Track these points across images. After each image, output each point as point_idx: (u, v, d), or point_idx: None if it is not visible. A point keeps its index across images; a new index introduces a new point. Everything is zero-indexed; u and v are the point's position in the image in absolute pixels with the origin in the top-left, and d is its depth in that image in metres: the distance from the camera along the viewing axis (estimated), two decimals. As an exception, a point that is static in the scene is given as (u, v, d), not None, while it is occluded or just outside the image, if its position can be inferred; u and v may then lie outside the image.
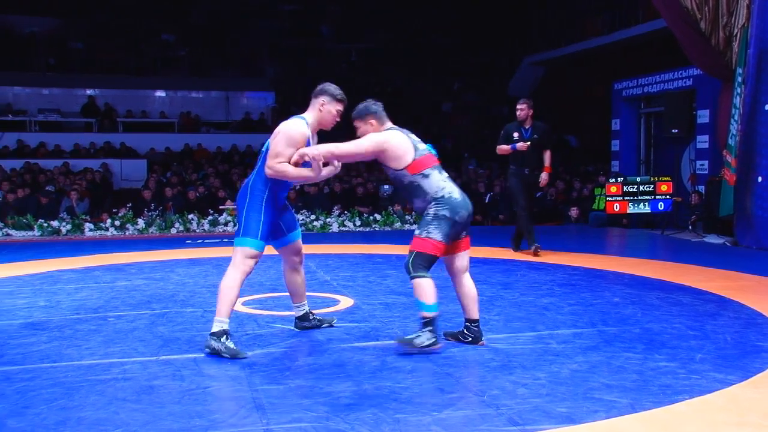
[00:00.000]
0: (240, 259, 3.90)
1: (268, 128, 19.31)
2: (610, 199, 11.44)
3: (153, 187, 12.95)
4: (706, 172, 11.18)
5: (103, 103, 19.11)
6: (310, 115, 4.05)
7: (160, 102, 20.13)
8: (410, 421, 2.88)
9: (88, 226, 10.74)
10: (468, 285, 4.05)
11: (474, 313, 4.04)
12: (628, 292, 5.73)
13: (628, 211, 11.43)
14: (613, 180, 11.55)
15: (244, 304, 5.34)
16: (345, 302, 5.34)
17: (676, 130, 11.28)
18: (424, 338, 3.77)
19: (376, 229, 11.43)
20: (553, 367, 3.62)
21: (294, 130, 3.91)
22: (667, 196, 11.24)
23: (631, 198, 11.36)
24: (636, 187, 11.37)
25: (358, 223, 11.47)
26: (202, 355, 3.90)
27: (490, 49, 23.19)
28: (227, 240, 9.82)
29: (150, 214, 11.11)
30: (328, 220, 11.37)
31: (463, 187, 14.88)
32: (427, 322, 3.79)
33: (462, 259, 4.03)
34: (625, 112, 13.48)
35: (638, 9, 16.24)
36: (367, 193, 13.28)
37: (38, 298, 5.57)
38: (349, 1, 23.38)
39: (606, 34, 17.55)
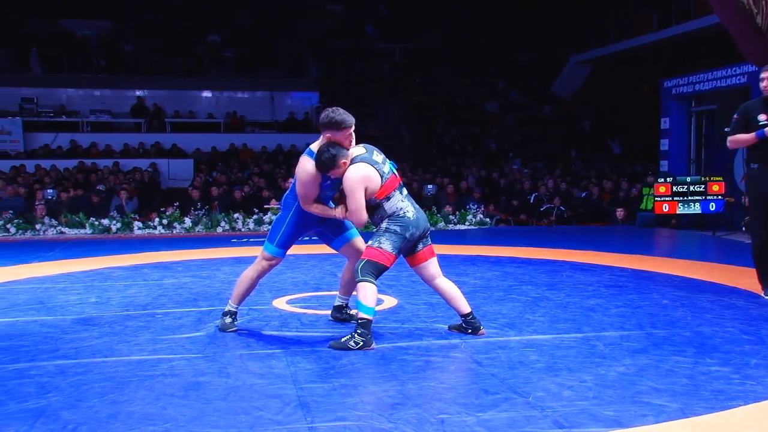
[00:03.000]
0: (259, 258, 4.47)
1: (313, 128, 19.50)
2: (658, 199, 11.20)
3: (200, 186, 13.16)
4: (761, 171, 10.84)
5: (152, 103, 19.53)
6: (321, 143, 4.13)
7: (206, 102, 20.48)
8: (454, 421, 2.86)
9: (137, 224, 10.98)
10: (445, 287, 4.27)
11: (464, 308, 4.26)
12: (678, 294, 5.60)
13: (677, 212, 11.18)
14: (662, 180, 11.30)
15: (289, 302, 5.39)
16: (389, 302, 5.34)
17: (729, 129, 10.97)
18: (358, 340, 3.94)
19: (420, 228, 11.40)
20: (599, 369, 3.56)
21: (303, 175, 4.11)
22: (719, 197, 10.95)
23: (681, 198, 11.11)
24: (686, 187, 11.11)
25: (401, 222, 11.46)
26: (248, 352, 3.95)
27: (536, 48, 22.95)
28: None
29: (197, 213, 11.29)
30: (371, 219, 11.39)
31: (507, 187, 14.64)
32: (363, 324, 3.97)
33: (429, 269, 4.26)
34: (675, 110, 13.18)
35: (690, 4, 15.85)
36: (411, 193, 13.23)
37: (90, 295, 5.72)
38: (395, 1, 23.41)
39: (656, 30, 17.18)
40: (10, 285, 6.25)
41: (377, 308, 5.10)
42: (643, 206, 12.04)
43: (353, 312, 4.61)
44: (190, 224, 11.08)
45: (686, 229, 11.25)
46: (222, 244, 9.46)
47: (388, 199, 4.09)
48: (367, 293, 3.96)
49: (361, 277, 4.00)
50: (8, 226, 10.61)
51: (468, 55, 22.56)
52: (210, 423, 2.87)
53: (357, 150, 4.16)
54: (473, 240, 9.93)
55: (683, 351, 3.90)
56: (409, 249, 4.19)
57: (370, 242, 4.11)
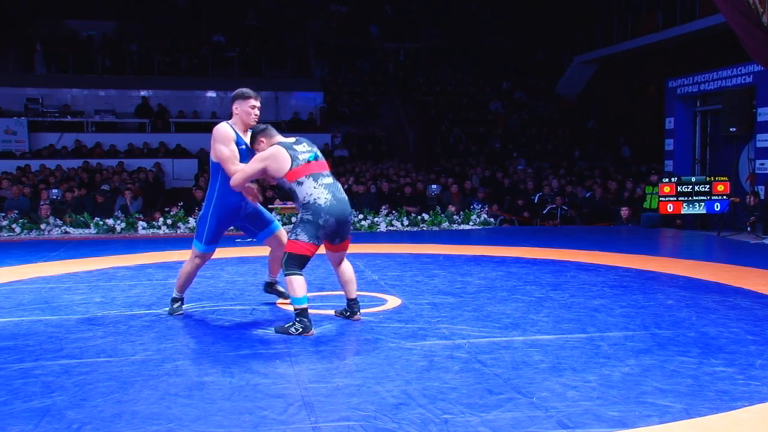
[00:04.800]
0: (191, 255, 4.90)
1: (317, 128, 19.51)
2: (663, 199, 11.18)
3: (204, 186, 13.18)
4: (767, 171, 10.82)
5: (156, 104, 19.57)
6: (232, 119, 4.76)
7: (210, 102, 20.51)
8: (458, 421, 2.86)
9: (141, 224, 11.00)
10: (342, 272, 4.67)
11: (349, 294, 4.67)
12: (683, 294, 5.59)
13: (682, 212, 11.15)
14: (667, 180, 11.28)
15: (293, 302, 5.38)
16: (392, 302, 5.34)
17: (734, 129, 10.95)
18: (299, 326, 4.29)
19: (424, 228, 11.41)
20: (604, 369, 3.55)
21: (219, 131, 4.64)
22: (724, 197, 10.92)
23: (686, 198, 11.08)
24: (691, 187, 11.09)
25: (405, 222, 11.47)
26: (252, 352, 3.95)
27: (540, 49, 22.94)
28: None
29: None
30: (375, 219, 11.39)
31: (511, 186, 14.52)
32: (299, 313, 4.30)
33: (336, 257, 4.65)
34: (680, 110, 13.15)
35: (695, 4, 15.82)
36: (415, 193, 13.27)
37: (94, 295, 5.73)
38: (399, 1, 23.40)
39: (661, 30, 17.16)
40: (15, 285, 6.27)
41: (381, 308, 5.12)
42: (646, 205, 12.01)
43: (282, 290, 5.18)
44: (194, 224, 11.09)
45: (691, 230, 11.22)
46: (226, 244, 9.45)
47: (299, 183, 4.37)
48: (294, 286, 4.26)
49: (286, 272, 4.30)
50: (13, 225, 10.64)
51: (472, 55, 22.55)
52: (214, 422, 2.88)
53: (288, 138, 4.57)
54: (477, 240, 9.92)
55: (688, 351, 3.89)
56: (329, 239, 4.49)
57: (289, 235, 4.41)
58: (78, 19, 21.03)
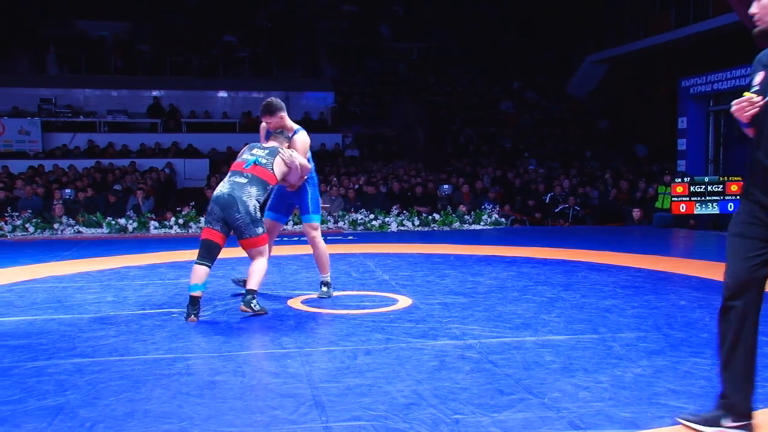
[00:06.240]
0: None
1: (328, 128, 19.54)
2: (676, 199, 11.12)
3: (215, 186, 13.23)
4: (780, 171, 10.74)
5: (168, 104, 19.65)
6: None
7: (222, 102, 20.59)
8: (469, 422, 2.85)
9: (153, 224, 11.05)
10: (251, 263, 4.97)
11: (248, 284, 4.89)
12: (696, 295, 5.55)
13: (695, 212, 11.09)
14: (680, 180, 11.22)
15: (304, 302, 5.39)
16: (403, 302, 5.33)
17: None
18: (186, 314, 4.71)
19: (435, 228, 11.40)
20: (616, 370, 3.53)
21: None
22: (738, 197, 10.84)
23: (699, 198, 11.02)
24: (704, 187, 11.02)
25: (416, 222, 11.47)
26: (263, 351, 3.96)
27: (551, 48, 22.86)
28: (286, 238, 9.95)
29: (212, 212, 11.34)
30: (386, 219, 11.39)
31: (522, 187, 14.50)
32: (190, 300, 4.72)
33: (248, 254, 5.01)
34: (693, 110, 13.08)
35: (708, 3, 15.72)
36: (426, 193, 13.26)
37: (107, 294, 5.77)
38: (409, 1, 23.39)
39: (673, 29, 17.06)
40: (28, 284, 6.32)
41: (392, 308, 5.11)
42: (658, 204, 11.95)
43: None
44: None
45: (704, 230, 11.15)
46: (237, 243, 9.49)
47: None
48: (192, 274, 4.75)
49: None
50: (27, 225, 10.72)
51: (483, 55, 22.51)
52: (225, 422, 2.88)
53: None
54: (488, 240, 9.90)
55: (701, 352, 3.86)
56: (219, 227, 4.82)
57: None
58: (90, 20, 21.16)
